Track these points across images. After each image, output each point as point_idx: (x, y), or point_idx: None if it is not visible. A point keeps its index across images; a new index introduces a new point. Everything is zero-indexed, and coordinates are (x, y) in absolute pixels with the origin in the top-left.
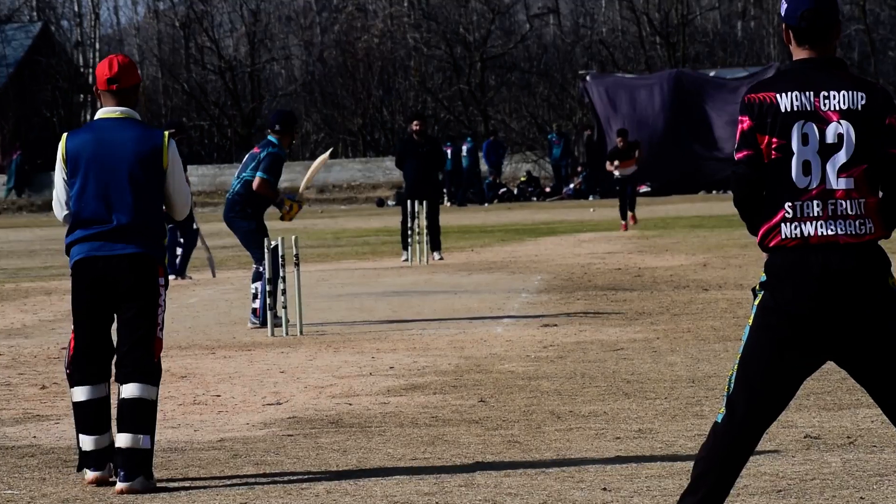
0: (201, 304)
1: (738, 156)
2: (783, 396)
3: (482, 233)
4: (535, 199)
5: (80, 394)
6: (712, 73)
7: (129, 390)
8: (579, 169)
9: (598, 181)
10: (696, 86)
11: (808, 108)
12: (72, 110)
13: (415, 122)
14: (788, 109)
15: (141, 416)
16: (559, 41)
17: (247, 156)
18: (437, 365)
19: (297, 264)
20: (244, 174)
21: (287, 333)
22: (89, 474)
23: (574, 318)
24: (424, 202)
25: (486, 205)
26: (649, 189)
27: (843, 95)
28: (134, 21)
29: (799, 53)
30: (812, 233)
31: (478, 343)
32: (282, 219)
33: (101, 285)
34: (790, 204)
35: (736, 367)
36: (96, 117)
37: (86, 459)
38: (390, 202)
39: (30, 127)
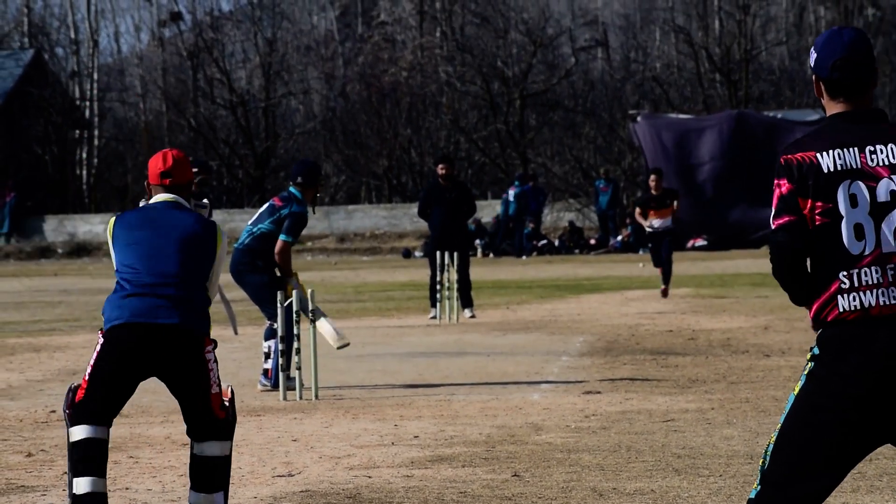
0: None
1: (776, 223)
2: (829, 480)
3: (519, 288)
4: (578, 251)
5: (81, 432)
6: (778, 115)
7: (201, 448)
8: (627, 220)
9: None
10: (761, 129)
11: (854, 166)
12: (66, 147)
13: (441, 166)
14: (832, 169)
15: (215, 473)
16: (608, 77)
17: (264, 206)
18: (466, 434)
19: (313, 321)
20: (261, 226)
21: (301, 397)
22: None
23: (619, 384)
24: (455, 254)
25: (524, 257)
26: (706, 243)
27: (892, 149)
28: (136, 49)
29: (833, 107)
30: (873, 303)
31: (512, 411)
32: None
33: (139, 353)
34: (845, 273)
35: (775, 439)
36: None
37: None
38: (417, 253)
39: (20, 165)
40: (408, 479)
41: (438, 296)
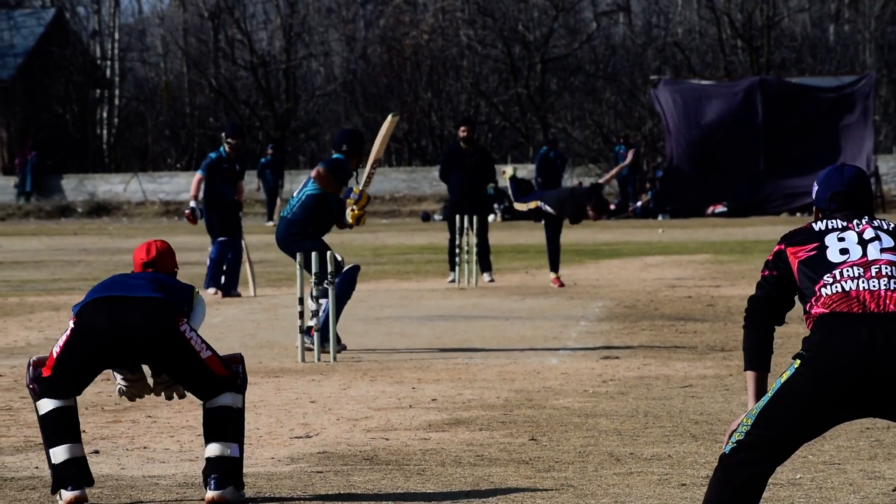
0: (225, 324)
1: (762, 274)
2: (805, 437)
3: (538, 253)
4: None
5: (48, 405)
6: (800, 81)
7: (213, 401)
8: (647, 185)
9: (669, 199)
10: (783, 95)
11: (842, 226)
12: (87, 107)
13: (462, 128)
14: (822, 229)
15: (227, 424)
16: (629, 42)
17: (308, 176)
18: (484, 398)
19: (331, 283)
20: (305, 190)
21: (319, 359)
22: (66, 494)
23: (638, 350)
24: (474, 217)
25: (543, 221)
26: (726, 209)
27: (872, 221)
28: (158, 9)
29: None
30: (854, 287)
31: (530, 375)
32: (351, 221)
33: (111, 333)
34: (829, 274)
35: (756, 412)
36: None
37: (60, 477)
38: (437, 217)
39: (40, 125)
40: (425, 441)
41: (457, 259)
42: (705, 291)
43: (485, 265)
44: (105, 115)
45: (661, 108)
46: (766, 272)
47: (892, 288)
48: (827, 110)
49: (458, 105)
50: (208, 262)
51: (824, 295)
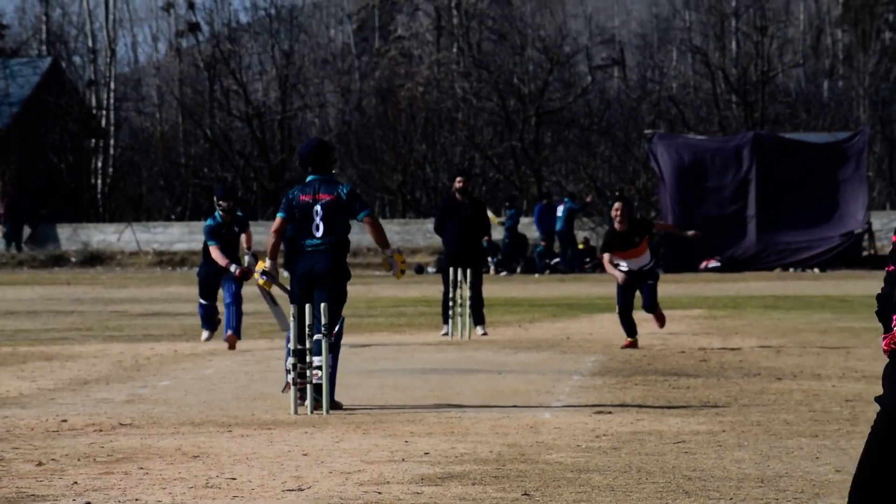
0: (218, 375)
1: (886, 269)
2: None
3: (531, 307)
4: (591, 270)
5: None
6: (794, 137)
7: None
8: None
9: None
10: (778, 151)
11: None
12: (82, 156)
13: (458, 179)
14: None
15: None
16: (624, 96)
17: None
18: (477, 452)
19: (325, 335)
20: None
21: (312, 412)
22: None
23: (631, 405)
24: (468, 270)
25: (537, 275)
26: (719, 264)
27: None
28: (154, 59)
29: None
30: None
31: (523, 429)
32: (398, 272)
33: None
34: None
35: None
36: None
37: None
38: (430, 269)
39: (35, 173)
40: (417, 495)
41: (451, 312)
42: (698, 346)
43: (478, 318)
44: (100, 164)
45: (655, 162)
46: (890, 266)
47: None
48: (821, 166)
49: (453, 157)
50: (227, 310)
51: None
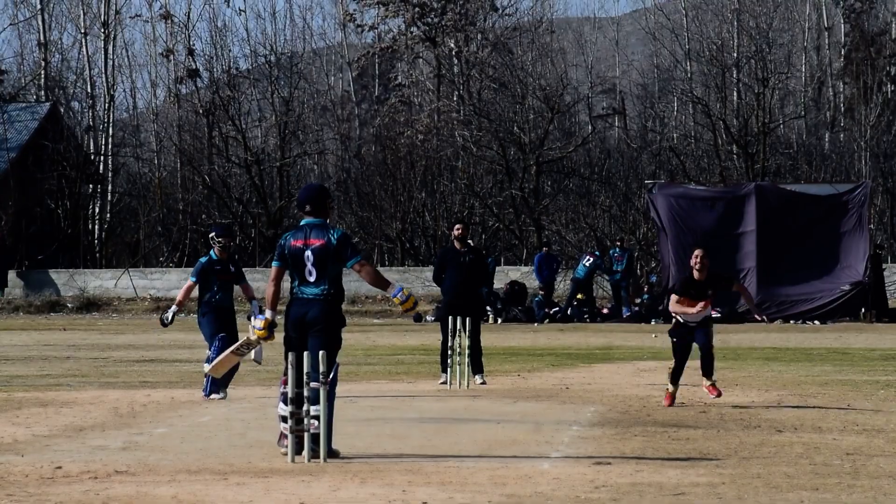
0: (214, 423)
1: None
2: None
3: (530, 356)
4: (590, 320)
5: None
6: (796, 189)
7: None
8: (645, 287)
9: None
10: (779, 202)
11: None
12: (79, 202)
13: (457, 227)
14: None
15: None
16: (624, 146)
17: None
18: (475, 502)
19: (323, 384)
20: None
21: (309, 460)
22: None
23: (630, 456)
24: (467, 319)
25: (536, 325)
26: (719, 315)
27: None
28: (153, 105)
29: None
30: None
31: (521, 480)
32: (408, 309)
33: None
34: None
35: None
36: None
37: None
38: (429, 318)
39: (31, 218)
40: None
41: (449, 361)
42: (698, 398)
43: (477, 367)
44: (97, 210)
45: (656, 212)
46: None
47: None
48: (822, 218)
49: (452, 205)
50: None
51: None
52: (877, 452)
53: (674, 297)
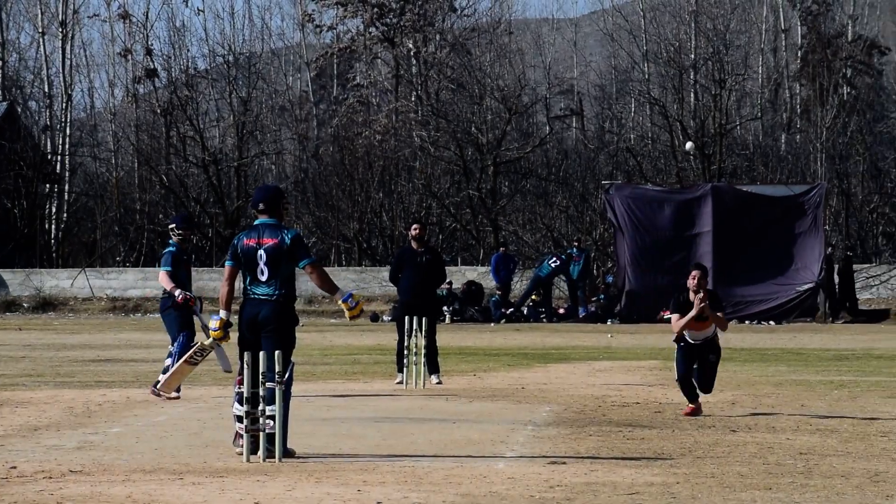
0: (170, 423)
1: None
2: None
3: (486, 356)
4: (546, 320)
5: None
6: (752, 190)
7: None
8: (601, 287)
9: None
10: (735, 203)
11: None
12: (36, 201)
13: (414, 227)
14: None
15: None
16: (581, 147)
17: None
18: (430, 501)
19: (278, 383)
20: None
21: (264, 460)
22: None
23: (585, 456)
24: (423, 319)
25: (493, 325)
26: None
27: None
28: (110, 105)
29: None
30: None
31: (476, 479)
32: (356, 309)
33: None
34: None
35: None
36: None
37: None
38: (386, 318)
39: None
40: None
41: (406, 361)
42: (653, 397)
43: (433, 367)
44: (54, 209)
45: (612, 213)
46: None
47: None
48: (778, 219)
49: (410, 206)
50: (171, 360)
51: None
52: (830, 452)
53: (675, 317)
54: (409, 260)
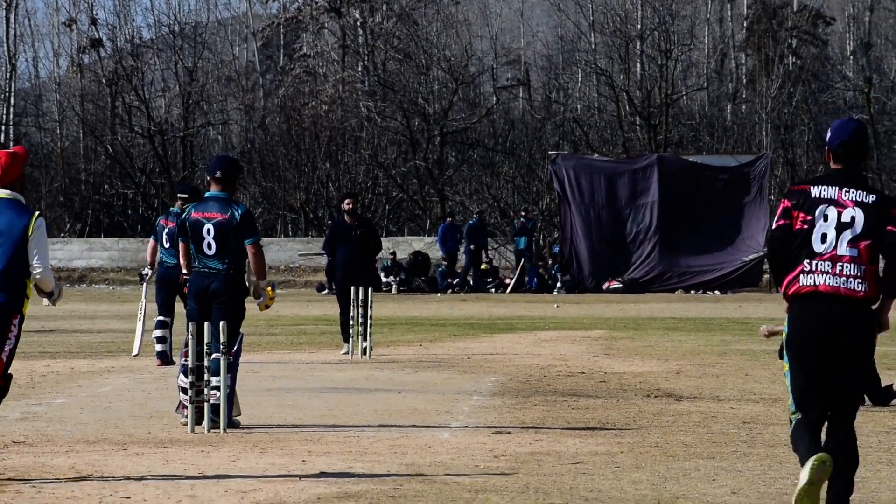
0: (115, 393)
1: (776, 224)
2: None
3: (432, 326)
4: (493, 290)
5: None
6: (697, 160)
7: None
8: (544, 260)
9: (565, 274)
10: (681, 173)
11: (832, 197)
12: None
13: (346, 202)
14: (816, 196)
15: None
16: (528, 117)
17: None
18: (374, 471)
19: (224, 353)
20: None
21: (209, 430)
22: None
23: (530, 425)
24: (360, 290)
25: (439, 295)
26: (620, 285)
27: (859, 193)
28: (55, 75)
29: (834, 166)
30: (821, 283)
31: (421, 449)
32: (262, 305)
33: None
34: (808, 260)
35: (789, 387)
36: None
37: None
38: (334, 287)
39: None
40: None
41: (351, 332)
42: (598, 367)
43: (346, 336)
44: None
45: (559, 183)
46: (780, 222)
47: (849, 288)
48: (723, 189)
49: (357, 176)
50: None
51: (800, 282)
52: (773, 421)
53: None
54: (343, 234)
